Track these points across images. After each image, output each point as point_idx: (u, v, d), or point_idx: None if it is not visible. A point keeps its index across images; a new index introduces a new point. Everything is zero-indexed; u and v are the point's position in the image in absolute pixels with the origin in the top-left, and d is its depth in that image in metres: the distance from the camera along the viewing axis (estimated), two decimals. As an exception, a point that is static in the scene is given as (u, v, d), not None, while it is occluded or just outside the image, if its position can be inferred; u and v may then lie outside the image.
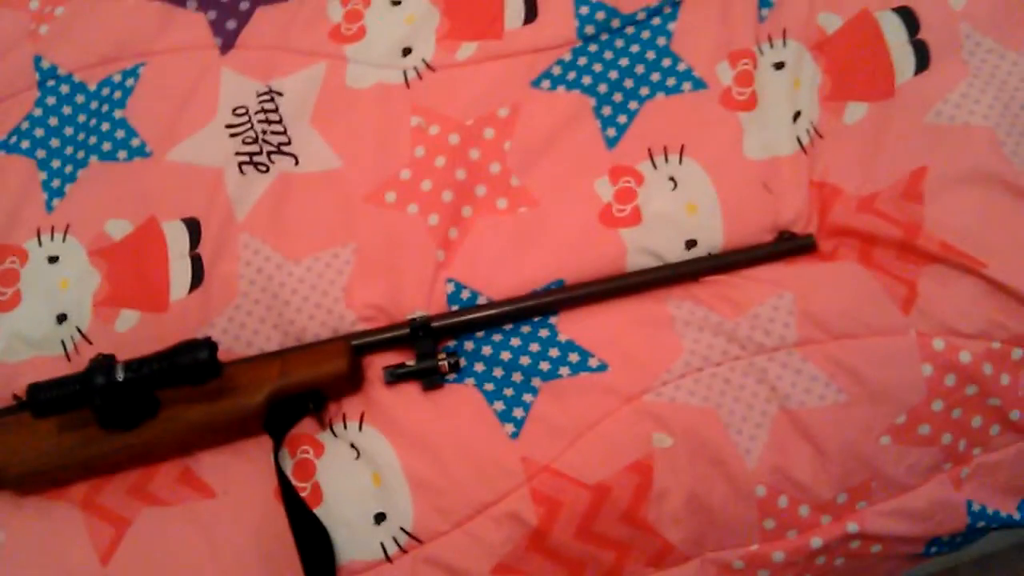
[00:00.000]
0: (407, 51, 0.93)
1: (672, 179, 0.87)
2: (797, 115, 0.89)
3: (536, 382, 0.80)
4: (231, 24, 0.94)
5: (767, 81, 0.90)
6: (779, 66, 0.91)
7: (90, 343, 0.83)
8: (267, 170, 0.88)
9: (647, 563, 0.80)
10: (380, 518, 0.77)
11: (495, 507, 0.77)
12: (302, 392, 0.79)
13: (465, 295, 0.84)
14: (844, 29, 0.91)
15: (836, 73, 0.90)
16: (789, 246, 0.84)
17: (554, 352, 0.81)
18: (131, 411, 0.76)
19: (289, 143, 0.89)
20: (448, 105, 0.90)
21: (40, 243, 0.86)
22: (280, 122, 0.90)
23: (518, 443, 0.78)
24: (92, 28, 0.94)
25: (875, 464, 0.80)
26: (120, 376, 0.73)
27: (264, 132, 0.89)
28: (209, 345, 0.74)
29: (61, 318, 0.84)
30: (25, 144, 0.90)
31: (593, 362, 0.81)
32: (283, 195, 0.87)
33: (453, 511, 0.77)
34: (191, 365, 0.73)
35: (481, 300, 0.84)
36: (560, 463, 0.78)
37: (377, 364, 0.82)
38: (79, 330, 0.83)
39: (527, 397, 0.80)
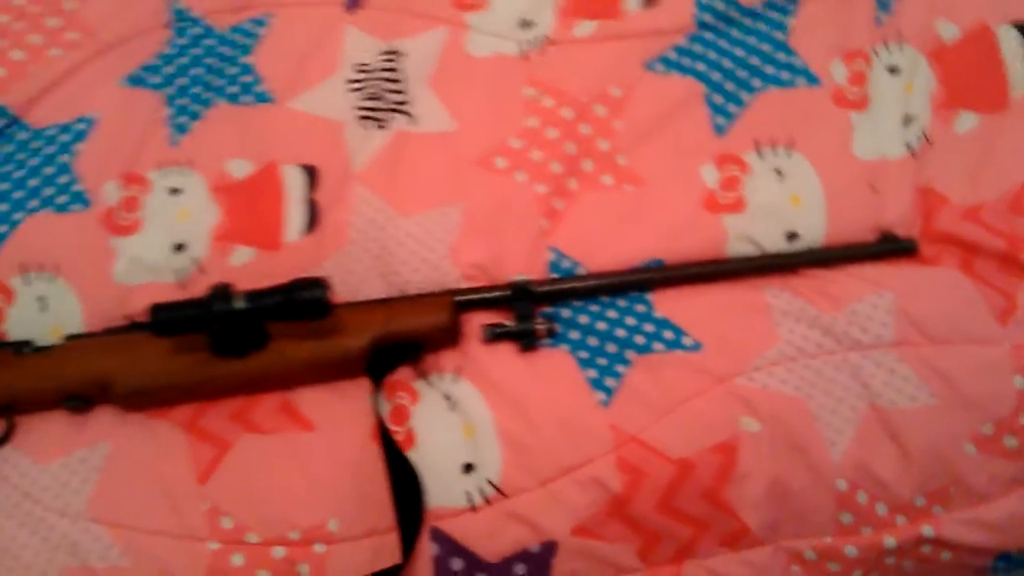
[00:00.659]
0: (526, 24, 0.95)
1: (778, 171, 0.88)
2: (907, 119, 0.90)
3: (630, 354, 0.82)
4: (359, -17, 0.97)
5: (880, 83, 0.91)
6: (893, 70, 0.92)
7: (204, 273, 0.86)
8: (385, 126, 0.91)
9: (721, 543, 0.81)
10: (468, 468, 0.80)
11: (581, 470, 0.79)
12: (404, 341, 0.82)
13: (565, 264, 0.87)
14: (962, 39, 0.92)
15: (950, 82, 0.91)
16: (891, 247, 0.85)
17: (649, 327, 0.83)
18: (243, 340, 0.79)
19: (407, 103, 0.92)
20: (562, 80, 0.92)
21: (163, 174, 0.89)
22: (400, 81, 0.93)
23: (608, 411, 0.80)
24: (225, -25, 0.98)
25: (957, 471, 0.81)
26: (239, 305, 0.76)
27: (385, 90, 0.92)
28: (324, 284, 0.76)
29: (179, 247, 0.87)
30: (155, 79, 0.93)
31: (688, 341, 0.82)
32: (398, 151, 0.90)
33: (540, 469, 0.79)
34: (307, 301, 0.76)
35: (580, 271, 0.86)
36: (648, 435, 0.79)
37: (474, 322, 0.84)
38: (195, 260, 0.86)
39: (620, 368, 0.82)
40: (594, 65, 0.93)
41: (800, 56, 0.92)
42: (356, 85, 0.93)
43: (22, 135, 0.91)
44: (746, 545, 0.81)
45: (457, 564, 0.79)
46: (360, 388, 0.83)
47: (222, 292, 0.77)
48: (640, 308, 0.84)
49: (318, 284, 0.77)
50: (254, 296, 0.76)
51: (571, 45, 0.94)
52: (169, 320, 0.76)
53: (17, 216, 0.87)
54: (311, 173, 0.89)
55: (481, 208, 0.88)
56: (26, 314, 0.85)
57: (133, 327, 0.84)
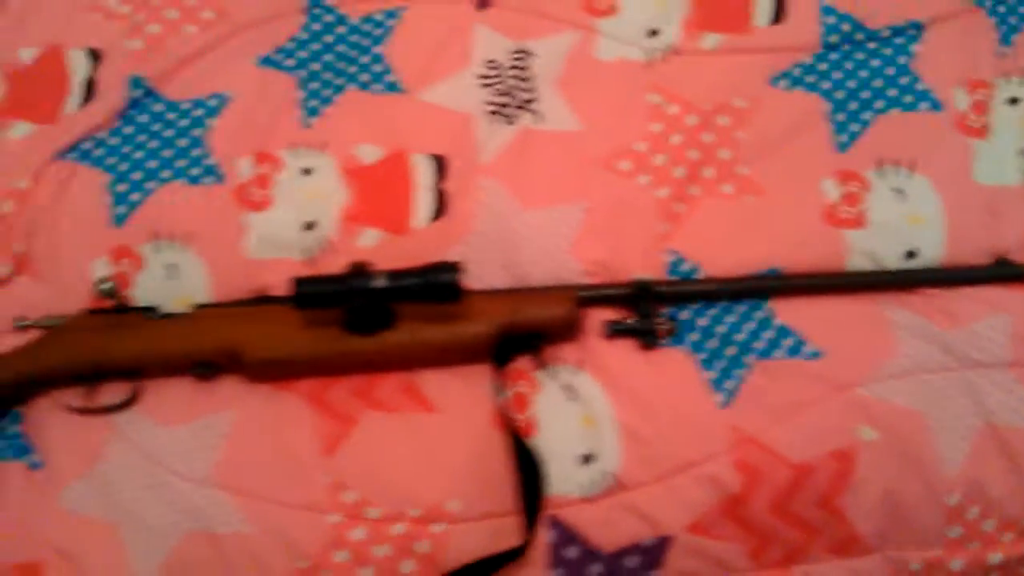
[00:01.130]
0: (653, 32, 0.97)
1: (899, 190, 0.90)
2: (1024, 151, 0.92)
3: (749, 359, 0.83)
4: (492, -17, 1.00)
5: (1000, 113, 0.93)
6: (1013, 101, 0.94)
7: (332, 252, 0.88)
8: (512, 122, 0.93)
9: (831, 550, 0.82)
10: (587, 459, 0.81)
11: (699, 468, 0.80)
12: (528, 331, 0.83)
13: (684, 267, 0.88)
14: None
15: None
16: (1009, 272, 0.87)
17: (769, 334, 0.85)
18: (374, 319, 0.81)
19: (535, 101, 0.94)
20: (687, 88, 0.94)
21: (295, 155, 0.91)
22: (529, 80, 0.95)
23: (727, 412, 0.81)
24: (359, -35, 1.00)
25: (1068, 491, 0.82)
26: (379, 283, 0.78)
27: (514, 87, 0.94)
28: (459, 268, 0.78)
29: (309, 225, 0.89)
30: (289, 62, 0.95)
31: (808, 348, 0.84)
32: (524, 147, 0.92)
33: (658, 464, 0.80)
34: (443, 284, 0.78)
35: (698, 274, 0.88)
36: (767, 437, 0.81)
37: (593, 317, 0.86)
38: (324, 239, 0.88)
39: (739, 371, 0.83)
40: (719, 76, 0.95)
41: (924, 81, 0.94)
42: (486, 80, 0.95)
43: (157, 107, 0.93)
44: (855, 553, 0.82)
45: (572, 552, 0.80)
46: (480, 374, 0.84)
47: (361, 270, 0.79)
48: (759, 314, 0.86)
49: (454, 268, 0.78)
50: (393, 275, 0.78)
51: (696, 56, 0.96)
52: (310, 294, 0.78)
53: (150, 185, 0.89)
54: (439, 162, 0.91)
55: (603, 207, 0.90)
56: (154, 281, 0.87)
57: (263, 300, 0.85)
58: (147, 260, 0.87)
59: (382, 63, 0.96)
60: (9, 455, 0.81)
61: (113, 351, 0.81)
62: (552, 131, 0.93)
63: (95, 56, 0.95)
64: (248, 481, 0.80)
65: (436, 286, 0.78)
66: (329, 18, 0.98)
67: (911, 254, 0.88)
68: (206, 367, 0.83)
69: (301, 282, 0.78)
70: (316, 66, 0.96)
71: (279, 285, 0.86)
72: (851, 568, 0.82)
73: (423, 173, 0.91)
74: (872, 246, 0.88)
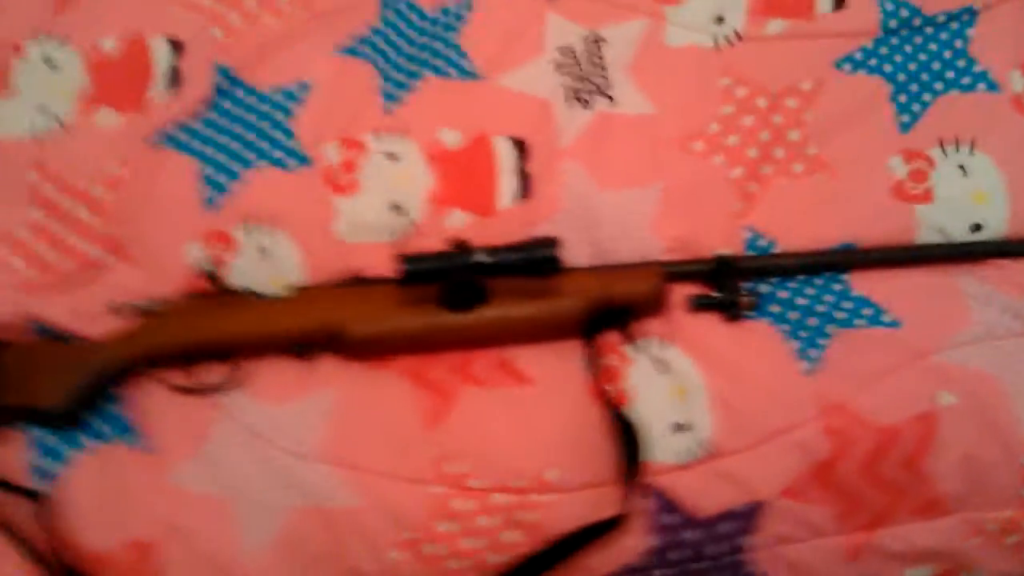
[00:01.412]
0: (719, 19, 1.00)
1: (962, 167, 0.94)
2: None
3: (830, 328, 0.87)
4: (557, -25, 1.02)
5: (1055, 94, 0.98)
6: (1068, 81, 0.98)
7: (420, 234, 0.90)
8: (589, 107, 0.96)
9: (914, 512, 0.85)
10: (679, 428, 0.83)
11: (789, 435, 0.83)
12: (617, 306, 0.86)
13: (761, 243, 0.91)
14: None
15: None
16: (1071, 243, 0.91)
17: (847, 304, 0.88)
18: (471, 295, 0.83)
19: (609, 86, 0.97)
20: (755, 72, 0.98)
21: (380, 140, 0.94)
22: (603, 66, 0.98)
23: (813, 380, 0.84)
24: (431, -40, 1.03)
25: None
26: (481, 258, 0.80)
27: (589, 72, 0.97)
28: (558, 243, 0.81)
29: (396, 208, 0.91)
30: (367, 51, 0.98)
31: (886, 318, 0.87)
32: (602, 131, 0.95)
33: (750, 432, 0.83)
34: (543, 258, 0.81)
35: (775, 250, 0.91)
36: (853, 404, 0.84)
37: (677, 293, 0.89)
38: (412, 221, 0.90)
39: (821, 341, 0.86)
40: (785, 60, 0.98)
41: (980, 63, 0.98)
42: (561, 66, 0.97)
43: (242, 94, 0.95)
44: (936, 515, 0.85)
45: (669, 519, 0.82)
46: (571, 349, 0.86)
47: (462, 246, 0.81)
48: (837, 287, 0.89)
49: (553, 243, 0.81)
50: (494, 251, 0.81)
51: (762, 41, 0.99)
52: (416, 270, 0.80)
53: (239, 170, 0.91)
54: (521, 146, 0.94)
55: (680, 187, 0.93)
56: (248, 263, 0.88)
57: (359, 281, 0.87)
58: (240, 243, 0.89)
59: (458, 51, 0.98)
60: (116, 436, 0.83)
61: (218, 332, 0.83)
62: (627, 115, 0.96)
63: (175, 45, 0.96)
64: (353, 455, 0.82)
65: (537, 260, 0.81)
66: (405, 8, 1.00)
67: (977, 227, 0.92)
68: (306, 346, 0.84)
69: (407, 259, 0.80)
70: (394, 54, 0.98)
71: (370, 267, 0.89)
72: (932, 529, 0.85)
73: (505, 156, 0.93)
74: (940, 220, 0.92)
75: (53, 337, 0.85)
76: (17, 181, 0.89)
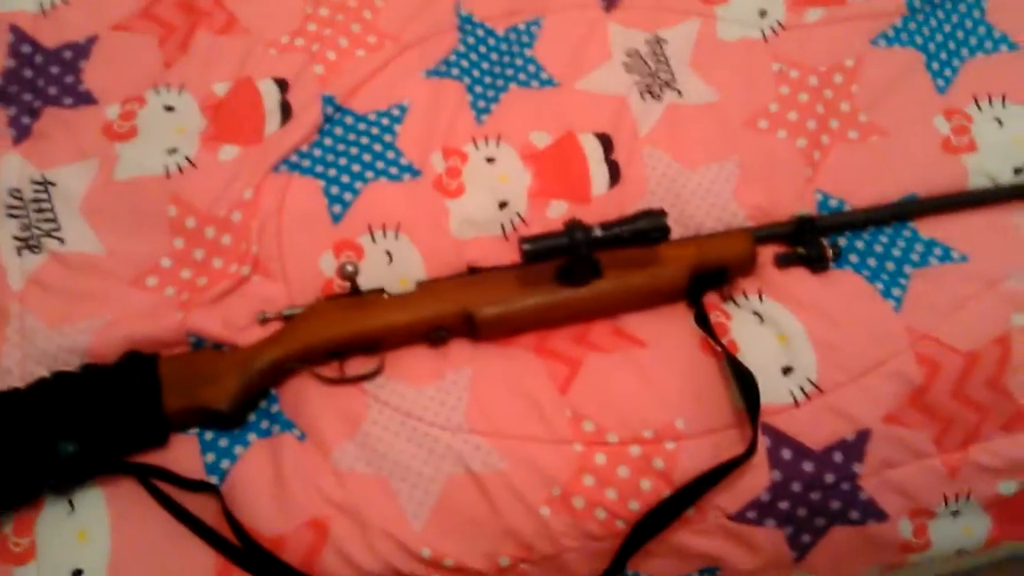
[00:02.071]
0: (763, 13, 1.12)
1: (998, 119, 1.05)
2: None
3: (908, 269, 0.96)
4: (612, -12, 1.14)
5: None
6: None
7: (526, 225, 0.99)
8: (660, 99, 1.06)
9: (1000, 426, 0.93)
10: (787, 371, 0.92)
11: (885, 365, 0.92)
12: (715, 269, 0.95)
13: (832, 203, 1.01)
14: None
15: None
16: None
17: (919, 247, 0.98)
18: (586, 270, 0.92)
19: (675, 80, 1.07)
20: (802, 55, 1.09)
21: (477, 147, 1.03)
22: (667, 63, 1.08)
23: (900, 315, 0.94)
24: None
25: None
26: (598, 233, 0.89)
27: (656, 69, 1.08)
28: (664, 213, 0.90)
29: (502, 204, 1.00)
30: (455, 71, 1.07)
31: (955, 255, 0.97)
32: (675, 119, 1.05)
33: (850, 366, 0.92)
34: (655, 227, 0.90)
35: (846, 207, 1.01)
36: (939, 332, 0.93)
37: (764, 253, 0.98)
38: (518, 214, 1.00)
39: (902, 280, 0.95)
40: (826, 43, 1.09)
41: (999, 28, 1.09)
42: (630, 67, 1.08)
43: (349, 120, 1.04)
44: (1020, 428, 0.93)
45: (787, 454, 0.90)
46: (675, 311, 0.96)
47: (578, 225, 0.90)
48: (907, 233, 0.99)
49: (661, 213, 0.90)
50: (607, 226, 0.90)
51: (803, 28, 1.11)
52: (538, 248, 0.89)
53: (358, 185, 1.00)
54: (604, 139, 1.04)
55: (753, 160, 1.03)
56: (375, 267, 0.97)
57: (478, 270, 0.96)
58: (367, 250, 0.97)
59: (535, 63, 1.09)
60: (277, 430, 0.90)
61: (360, 327, 0.91)
62: (694, 104, 1.06)
63: (280, 84, 1.06)
64: (497, 424, 0.89)
65: (648, 230, 0.89)
66: (480, 32, 1.11)
67: (1019, 170, 1.02)
68: (439, 333, 0.93)
69: (528, 240, 0.89)
70: (477, 72, 1.08)
71: (484, 258, 0.97)
72: (1018, 442, 0.93)
73: (593, 149, 1.03)
74: (987, 166, 1.02)
75: (208, 348, 0.92)
76: (158, 216, 0.98)
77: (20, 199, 0.98)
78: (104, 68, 1.07)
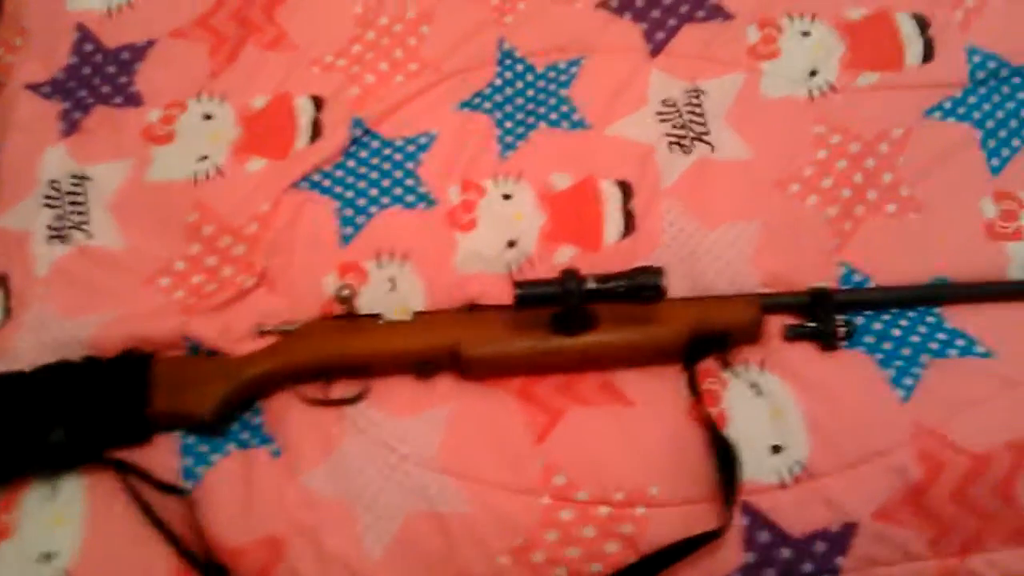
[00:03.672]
0: (813, 73, 1.07)
1: (1054, 208, 0.97)
2: None
3: (924, 358, 0.90)
4: (660, 35, 1.12)
5: None
6: None
7: (532, 266, 0.98)
8: (689, 152, 1.03)
9: (1004, 539, 0.86)
10: (776, 449, 0.88)
11: (883, 458, 0.86)
12: (716, 333, 0.91)
13: (856, 278, 0.96)
14: None
15: None
16: None
17: (941, 336, 0.92)
18: (579, 320, 0.90)
19: (708, 133, 1.05)
20: (848, 120, 1.04)
21: (496, 183, 1.03)
22: (702, 115, 1.06)
23: (908, 407, 0.88)
24: (547, 23, 1.13)
25: None
26: (590, 285, 0.87)
27: (689, 121, 1.05)
28: (662, 272, 0.87)
29: (511, 243, 0.99)
30: (487, 105, 1.08)
31: (979, 348, 0.90)
32: (701, 174, 1.02)
33: (845, 454, 0.87)
34: (649, 285, 0.87)
35: (869, 284, 0.96)
36: (946, 429, 0.87)
37: (773, 323, 0.94)
38: (524, 255, 0.99)
39: (916, 370, 0.90)
40: (877, 110, 1.04)
41: (1066, 111, 1.02)
42: (664, 117, 1.06)
43: (375, 144, 1.06)
44: (1025, 543, 0.87)
45: (764, 536, 0.86)
46: (671, 373, 0.92)
47: (572, 274, 0.88)
48: (930, 319, 0.93)
49: (658, 271, 0.87)
50: (603, 278, 0.87)
51: (854, 92, 1.06)
52: (530, 295, 0.88)
53: (372, 210, 1.01)
54: (625, 188, 1.02)
55: (777, 225, 0.99)
56: (376, 293, 0.98)
57: (475, 307, 0.95)
58: (371, 275, 0.98)
59: (568, 104, 1.08)
60: (255, 443, 0.92)
61: (349, 350, 0.92)
62: (726, 160, 1.03)
63: (316, 102, 1.08)
64: (468, 466, 0.88)
65: (642, 287, 0.87)
66: (519, 67, 1.11)
67: (1068, 265, 0.95)
68: (426, 366, 0.92)
69: (522, 284, 0.88)
70: (509, 108, 1.08)
71: (484, 295, 0.97)
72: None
73: (611, 196, 1.01)
74: (1031, 258, 0.95)
75: (202, 354, 0.95)
76: (179, 220, 1.01)
77: (58, 191, 1.03)
78: (156, 72, 1.11)
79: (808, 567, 0.86)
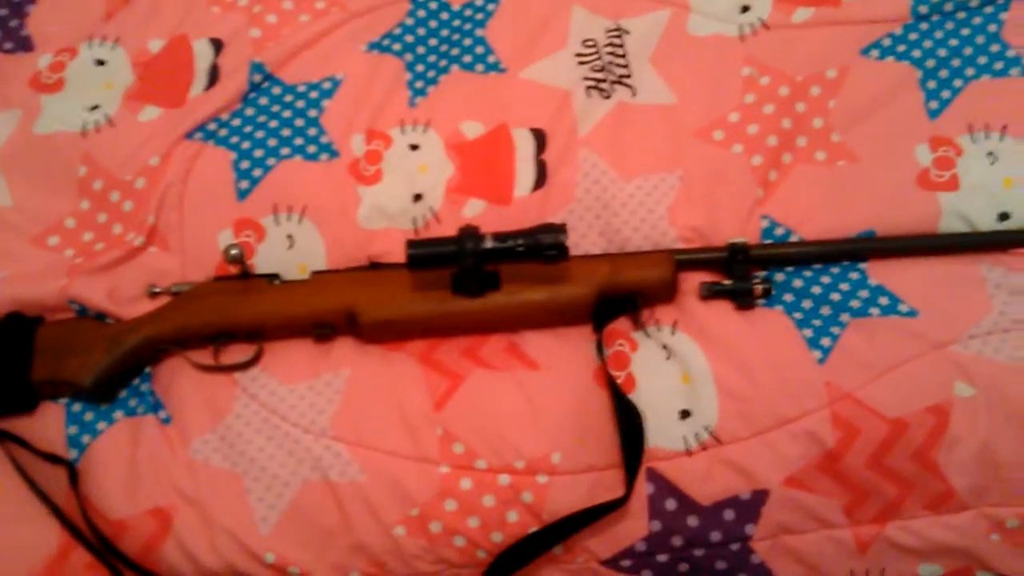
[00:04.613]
0: (745, 8, 1.00)
1: (991, 154, 0.91)
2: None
3: (844, 317, 0.85)
4: (584, -34, 1.04)
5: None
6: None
7: (439, 222, 0.93)
8: (608, 96, 0.97)
9: (925, 505, 0.83)
10: (685, 414, 0.84)
11: (795, 423, 0.82)
12: (627, 292, 0.87)
13: (779, 232, 0.91)
14: None
15: None
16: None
17: (864, 293, 0.87)
18: (481, 281, 0.85)
19: (630, 76, 0.98)
20: (779, 60, 0.97)
21: (403, 132, 0.97)
22: (624, 56, 0.99)
23: (824, 369, 0.83)
24: (460, -44, 1.06)
25: None
26: (488, 244, 0.82)
27: (610, 63, 0.98)
28: (564, 230, 0.82)
29: (417, 197, 0.94)
30: (396, 47, 1.01)
31: (903, 307, 0.85)
32: (621, 120, 0.96)
33: (755, 420, 0.83)
34: (550, 244, 0.82)
35: (793, 238, 0.90)
36: (863, 393, 0.82)
37: (690, 280, 0.89)
38: (431, 209, 0.93)
39: (835, 329, 0.85)
40: (810, 48, 0.97)
41: (1015, 48, 0.94)
42: (583, 58, 0.99)
43: (276, 90, 0.99)
44: (949, 509, 0.83)
45: (671, 504, 0.83)
46: (580, 334, 0.88)
47: (471, 232, 0.83)
48: (854, 275, 0.88)
49: (560, 229, 0.82)
50: (502, 237, 0.82)
51: (788, 29, 0.98)
52: (424, 255, 0.83)
53: (270, 162, 0.96)
54: (539, 136, 0.95)
55: (698, 176, 0.93)
56: (274, 251, 0.93)
57: (376, 266, 0.90)
58: (268, 231, 0.93)
59: (483, 45, 1.01)
60: (143, 411, 0.88)
61: (239, 313, 0.88)
62: (647, 104, 0.96)
63: (216, 45, 1.02)
64: (363, 434, 0.85)
65: (542, 246, 0.82)
66: (433, 5, 1.03)
67: (1004, 216, 0.89)
68: (324, 328, 0.88)
69: (414, 244, 0.83)
70: (421, 49, 1.01)
71: (389, 253, 0.92)
72: (946, 524, 0.83)
73: (524, 146, 0.95)
74: (965, 208, 0.89)
75: (90, 317, 0.90)
76: (69, 175, 0.96)
77: (-59, 146, 0.98)
78: (49, 14, 1.05)
79: (717, 535, 0.83)
